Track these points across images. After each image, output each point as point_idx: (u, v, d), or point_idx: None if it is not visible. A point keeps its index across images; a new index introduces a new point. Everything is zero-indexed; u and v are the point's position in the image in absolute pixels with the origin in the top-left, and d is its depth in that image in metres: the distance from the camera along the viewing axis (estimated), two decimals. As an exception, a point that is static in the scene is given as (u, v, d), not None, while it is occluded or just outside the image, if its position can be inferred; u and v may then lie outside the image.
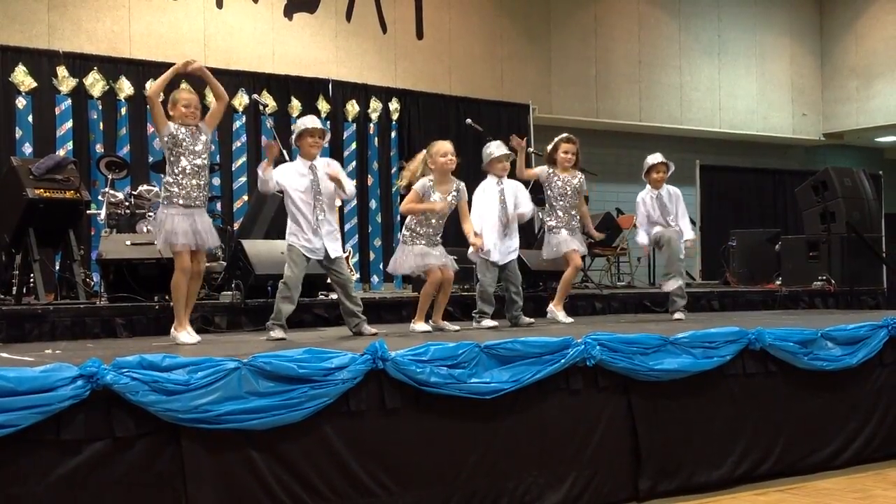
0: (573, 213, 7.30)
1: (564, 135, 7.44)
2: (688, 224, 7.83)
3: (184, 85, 10.71)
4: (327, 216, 6.18)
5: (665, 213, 7.61)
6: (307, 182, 6.12)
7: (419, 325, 6.38)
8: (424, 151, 6.52)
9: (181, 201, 5.62)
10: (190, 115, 5.67)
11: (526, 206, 7.11)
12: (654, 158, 7.72)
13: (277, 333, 5.94)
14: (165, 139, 5.67)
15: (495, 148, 7.05)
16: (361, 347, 4.45)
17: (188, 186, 5.65)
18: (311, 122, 6.26)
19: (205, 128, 5.79)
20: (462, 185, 6.57)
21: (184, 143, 5.65)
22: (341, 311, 6.31)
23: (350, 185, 6.36)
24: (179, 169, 5.65)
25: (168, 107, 5.78)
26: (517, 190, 7.11)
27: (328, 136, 6.49)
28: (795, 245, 11.40)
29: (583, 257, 7.85)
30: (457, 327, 6.56)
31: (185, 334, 5.69)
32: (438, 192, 6.41)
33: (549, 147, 7.48)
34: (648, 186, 7.70)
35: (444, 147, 6.44)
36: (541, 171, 7.30)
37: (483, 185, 7.07)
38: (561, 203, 7.25)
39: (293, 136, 6.29)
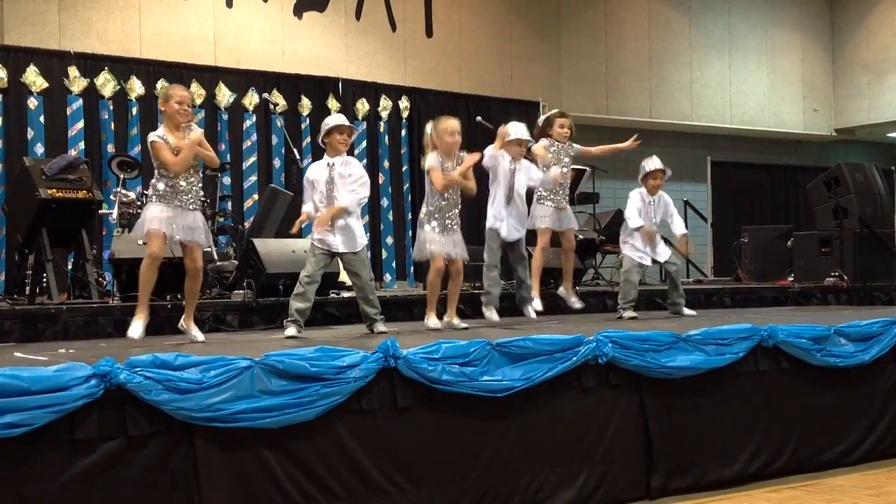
0: (560, 185, 7.12)
1: (557, 110, 7.33)
2: (680, 222, 7.69)
3: (195, 87, 10.80)
4: None
5: (649, 218, 7.43)
6: (325, 176, 6.14)
7: (431, 321, 6.33)
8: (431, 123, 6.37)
9: (166, 200, 5.49)
10: (183, 113, 5.56)
11: (536, 175, 6.91)
12: (652, 165, 7.46)
13: (290, 331, 5.95)
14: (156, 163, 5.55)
15: (513, 131, 6.81)
16: (373, 346, 4.46)
17: (177, 189, 5.52)
18: (340, 119, 6.28)
19: (195, 128, 5.68)
20: (464, 152, 6.37)
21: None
22: (359, 308, 6.28)
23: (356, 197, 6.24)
24: (167, 175, 5.52)
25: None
26: (529, 170, 6.93)
27: (356, 133, 6.41)
28: (807, 241, 11.36)
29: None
30: (465, 325, 6.46)
31: (135, 326, 5.51)
32: (448, 163, 6.27)
33: (541, 122, 7.34)
34: (644, 188, 7.50)
35: (451, 125, 6.26)
36: (543, 148, 7.05)
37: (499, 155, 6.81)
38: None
39: (321, 134, 6.28)
